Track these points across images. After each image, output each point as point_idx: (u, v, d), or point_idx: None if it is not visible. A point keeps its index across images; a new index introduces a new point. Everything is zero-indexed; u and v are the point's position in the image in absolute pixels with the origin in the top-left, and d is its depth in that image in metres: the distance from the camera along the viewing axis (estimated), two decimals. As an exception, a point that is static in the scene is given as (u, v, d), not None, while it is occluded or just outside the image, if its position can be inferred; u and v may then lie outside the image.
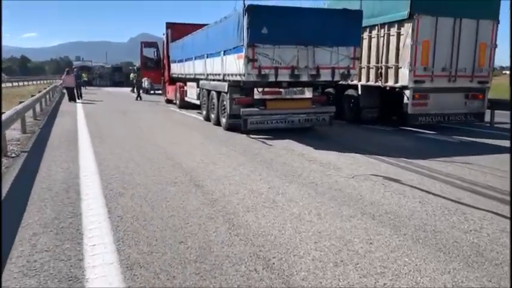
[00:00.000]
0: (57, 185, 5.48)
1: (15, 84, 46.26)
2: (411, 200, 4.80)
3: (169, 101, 20.59)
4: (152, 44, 24.69)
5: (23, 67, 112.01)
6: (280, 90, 9.76)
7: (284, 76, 8.89)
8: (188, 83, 15.81)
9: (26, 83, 51.41)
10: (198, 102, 14.12)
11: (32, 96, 15.40)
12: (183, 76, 16.33)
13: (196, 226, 3.99)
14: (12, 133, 10.09)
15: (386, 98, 11.67)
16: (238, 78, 9.29)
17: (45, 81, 59.13)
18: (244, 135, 9.83)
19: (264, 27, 8.42)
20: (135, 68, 51.92)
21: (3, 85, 40.52)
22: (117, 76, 48.56)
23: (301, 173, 6.02)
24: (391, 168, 6.41)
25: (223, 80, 10.55)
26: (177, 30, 18.44)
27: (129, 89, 33.15)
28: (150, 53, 24.63)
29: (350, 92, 12.15)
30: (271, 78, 8.80)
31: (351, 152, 7.61)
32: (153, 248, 3.52)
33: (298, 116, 9.72)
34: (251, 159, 7.08)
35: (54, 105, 19.79)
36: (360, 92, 11.72)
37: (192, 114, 15.19)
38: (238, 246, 3.52)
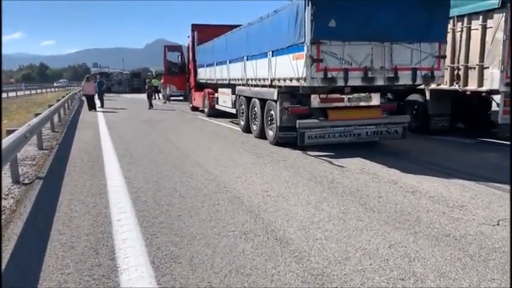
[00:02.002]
0: (82, 238, 3.90)
1: (33, 92, 45.61)
2: None
3: (195, 109, 19.11)
4: (176, 48, 23.22)
5: (42, 74, 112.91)
6: (343, 96, 8.09)
7: (355, 80, 7.20)
8: (220, 89, 14.24)
9: (44, 90, 50.83)
10: (233, 110, 12.55)
11: (50, 106, 14.11)
12: (213, 82, 14.78)
13: None
14: (28, 149, 8.67)
15: (459, 104, 9.93)
16: (294, 83, 7.64)
17: (63, 88, 58.73)
18: (299, 151, 8.19)
19: (332, 19, 6.76)
20: (153, 73, 50.92)
21: (21, 93, 39.83)
22: (135, 82, 47.55)
23: (418, 216, 4.31)
24: (535, 205, 4.66)
25: (271, 86, 8.93)
26: (205, 33, 16.95)
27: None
28: (174, 57, 23.21)
29: (414, 97, 10.39)
30: (340, 83, 7.13)
31: (454, 178, 5.86)
32: None
33: (366, 128, 8.01)
34: (330, 190, 5.41)
35: (73, 115, 18.48)
36: (428, 97, 9.95)
37: (225, 123, 13.62)
38: None
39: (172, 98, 29.36)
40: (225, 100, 13.50)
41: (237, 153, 8.22)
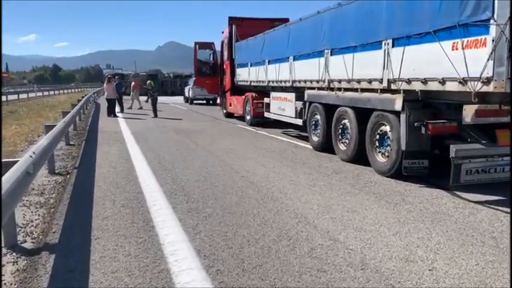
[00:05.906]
0: None
1: (46, 93, 43.43)
2: None
3: (229, 115, 16.40)
4: (208, 45, 20.48)
5: (55, 76, 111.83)
6: (504, 108, 5.25)
7: None
8: (273, 94, 11.45)
9: (56, 92, 48.75)
10: (297, 121, 9.78)
11: (63, 112, 11.56)
12: (263, 84, 12.04)
13: None
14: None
15: None
16: (451, 87, 4.83)
17: (76, 90, 57.01)
18: (438, 189, 5.42)
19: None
20: (171, 75, 48.34)
21: (32, 95, 37.60)
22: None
23: None
24: None
25: (386, 90, 6.13)
26: (246, 27, 14.30)
27: (177, 98, 30.22)
28: (205, 56, 20.49)
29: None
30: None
31: None
32: None
33: (544, 156, 5.16)
34: None
35: (91, 121, 15.88)
36: None
37: (278, 136, 10.93)
38: None
39: (195, 102, 26.72)
40: (282, 107, 10.70)
41: (345, 192, 5.41)
